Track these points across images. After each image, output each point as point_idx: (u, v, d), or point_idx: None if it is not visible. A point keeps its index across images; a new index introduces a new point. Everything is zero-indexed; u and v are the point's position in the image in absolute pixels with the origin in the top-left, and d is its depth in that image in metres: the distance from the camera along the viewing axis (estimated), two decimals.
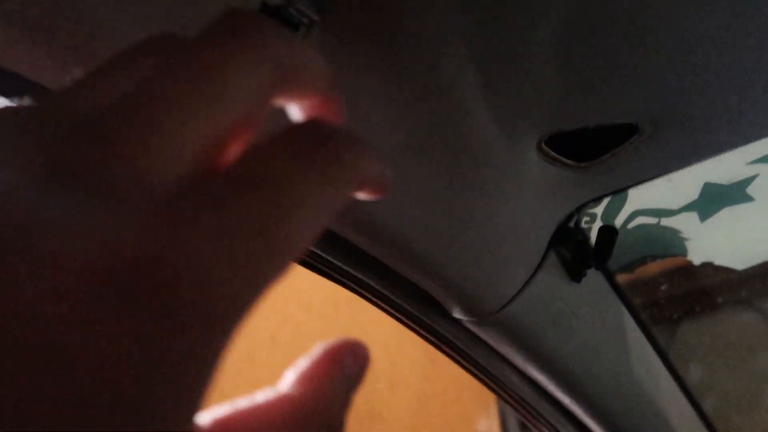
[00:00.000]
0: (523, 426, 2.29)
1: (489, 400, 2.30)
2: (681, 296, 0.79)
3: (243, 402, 0.18)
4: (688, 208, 0.54)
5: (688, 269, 0.61)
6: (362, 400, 2.11)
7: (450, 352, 0.53)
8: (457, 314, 0.48)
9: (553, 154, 0.46)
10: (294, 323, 2.09)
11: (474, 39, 0.36)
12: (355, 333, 2.18)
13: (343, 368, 0.19)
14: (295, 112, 0.19)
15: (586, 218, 0.56)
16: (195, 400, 0.15)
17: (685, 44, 0.37)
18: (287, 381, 0.19)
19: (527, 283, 0.49)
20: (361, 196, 0.19)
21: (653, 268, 0.62)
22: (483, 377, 0.56)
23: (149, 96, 0.15)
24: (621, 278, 0.61)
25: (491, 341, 0.51)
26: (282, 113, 0.21)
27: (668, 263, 0.60)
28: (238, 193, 0.14)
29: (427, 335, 0.52)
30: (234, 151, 0.16)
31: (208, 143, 0.15)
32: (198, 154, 0.15)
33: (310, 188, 0.15)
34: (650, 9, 0.35)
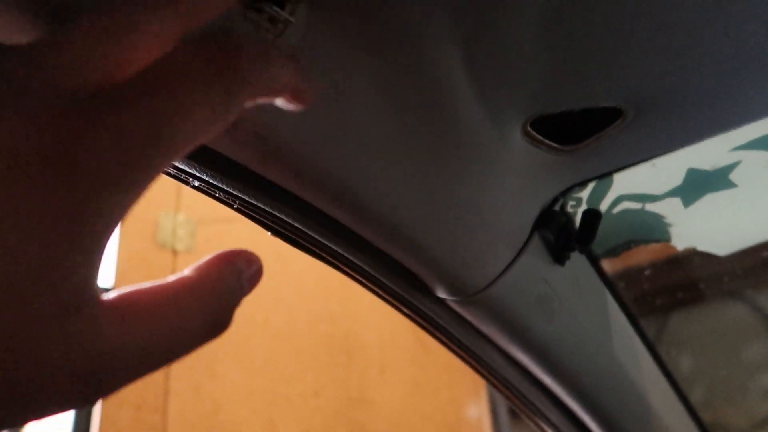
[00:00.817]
0: (512, 412, 2.31)
1: (479, 386, 2.32)
2: (667, 286, 0.80)
3: (147, 283, 0.22)
4: (672, 193, 0.55)
5: (672, 256, 0.62)
6: (354, 385, 2.12)
7: (434, 331, 0.54)
8: (441, 293, 0.49)
9: (538, 137, 0.47)
10: (286, 307, 2.10)
11: (459, 20, 0.36)
12: (347, 317, 2.19)
13: (235, 266, 0.24)
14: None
15: (571, 203, 0.56)
16: (93, 257, 0.19)
17: (667, 28, 0.38)
18: (187, 269, 0.23)
19: (511, 264, 0.49)
20: (279, 103, 0.25)
21: (638, 254, 0.63)
22: (467, 357, 0.57)
23: (76, 29, 0.19)
24: (606, 265, 0.62)
25: (475, 321, 0.52)
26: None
27: (652, 249, 0.61)
28: (133, 98, 0.19)
29: (411, 314, 0.52)
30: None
31: (118, 58, 0.19)
32: (110, 66, 0.19)
33: (196, 95, 0.20)
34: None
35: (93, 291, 0.19)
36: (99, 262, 0.20)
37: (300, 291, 2.15)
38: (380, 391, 2.16)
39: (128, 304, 0.21)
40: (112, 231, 0.19)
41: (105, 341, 0.19)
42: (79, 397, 0.19)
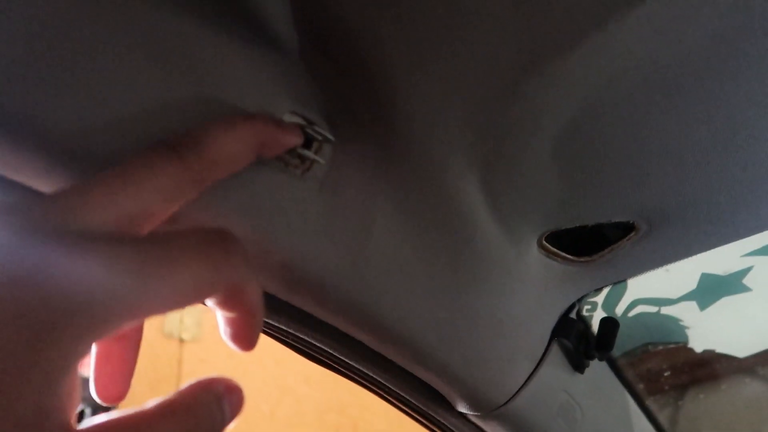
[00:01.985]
0: None
1: None
2: (684, 374, 0.79)
3: (124, 410, 0.21)
4: (687, 297, 0.55)
5: (691, 358, 0.62)
6: None
7: None
8: (462, 408, 0.48)
9: (553, 250, 0.48)
10: (293, 397, 2.05)
11: (476, 151, 0.38)
12: (356, 407, 2.14)
13: (215, 393, 0.24)
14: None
15: (587, 307, 0.57)
16: (50, 388, 0.19)
17: (676, 152, 0.40)
18: (167, 395, 0.23)
19: (531, 376, 0.49)
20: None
21: (656, 357, 0.63)
22: None
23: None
24: (623, 361, 0.62)
25: None
26: None
27: (670, 352, 0.61)
28: (130, 251, 0.21)
29: (433, 428, 0.52)
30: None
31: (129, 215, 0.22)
32: (123, 218, 0.22)
33: (184, 263, 0.22)
34: (644, 121, 0.37)
35: (52, 421, 0.19)
36: (60, 392, 0.19)
37: (307, 380, 2.11)
38: None
39: (102, 428, 0.20)
40: (72, 361, 0.19)
41: None
42: None
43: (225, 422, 0.24)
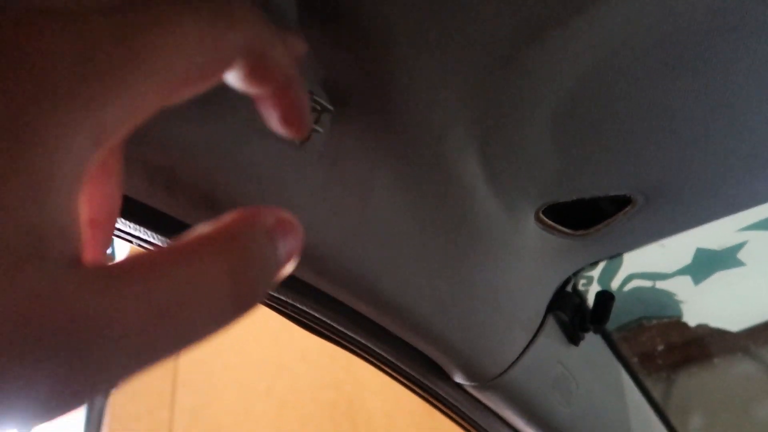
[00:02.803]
0: None
1: None
2: (680, 360, 0.80)
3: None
4: (681, 272, 0.55)
5: (685, 331, 0.63)
6: None
7: (452, 415, 0.54)
8: (459, 379, 0.49)
9: (550, 223, 0.48)
10: (289, 374, 2.07)
11: (474, 123, 0.38)
12: (352, 383, 2.16)
13: (262, 224, 0.18)
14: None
15: (583, 281, 0.57)
16: (51, 194, 0.14)
17: (673, 126, 0.40)
18: (203, 225, 0.18)
19: (527, 347, 0.50)
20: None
21: (650, 330, 0.63)
22: None
23: None
24: (618, 335, 0.63)
25: (493, 405, 0.52)
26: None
27: (664, 325, 0.62)
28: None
29: (429, 398, 0.52)
30: None
31: None
32: None
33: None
34: (642, 94, 0.37)
35: (51, 250, 0.14)
36: (58, 214, 0.15)
37: (304, 357, 2.12)
38: None
39: (129, 262, 0.16)
40: (68, 172, 0.15)
41: (87, 303, 0.14)
42: (59, 379, 0.14)
43: (279, 263, 0.19)
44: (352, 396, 2.16)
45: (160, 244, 0.37)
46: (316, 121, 0.35)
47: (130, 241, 0.38)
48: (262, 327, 2.08)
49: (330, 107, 0.34)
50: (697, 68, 0.36)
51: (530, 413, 0.52)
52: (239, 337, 2.04)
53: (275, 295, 0.42)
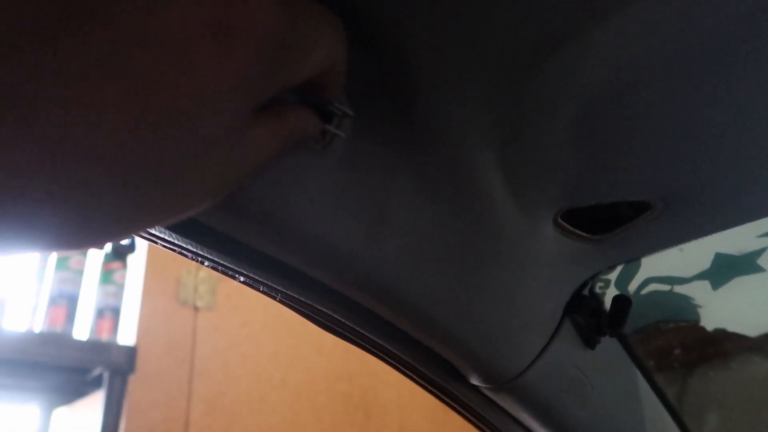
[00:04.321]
0: None
1: None
2: (694, 351, 0.79)
3: None
4: (700, 276, 0.55)
5: (702, 336, 0.63)
6: None
7: (468, 416, 0.54)
8: (475, 381, 0.50)
9: (568, 227, 0.48)
10: (304, 365, 2.09)
11: (494, 128, 0.38)
12: (366, 376, 2.17)
13: None
14: None
15: (600, 284, 0.57)
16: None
17: (693, 132, 0.40)
18: None
19: (543, 350, 0.50)
20: None
21: (667, 335, 0.63)
22: None
23: None
24: (634, 338, 0.63)
25: (508, 407, 0.52)
26: None
27: (681, 330, 0.62)
28: None
29: (445, 399, 0.53)
30: None
31: None
32: None
33: None
34: (663, 101, 0.37)
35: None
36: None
37: (319, 349, 2.14)
38: None
39: None
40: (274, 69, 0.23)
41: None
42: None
43: None
44: (366, 388, 2.17)
45: (178, 243, 0.38)
46: (338, 126, 0.35)
47: (153, 241, 0.38)
48: (278, 319, 2.10)
49: (350, 112, 0.34)
50: (718, 75, 0.36)
51: (545, 415, 0.52)
52: (255, 329, 2.06)
53: (293, 294, 0.42)
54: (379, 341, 0.47)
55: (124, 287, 1.80)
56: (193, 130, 0.21)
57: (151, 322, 1.85)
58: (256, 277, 0.41)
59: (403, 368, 0.50)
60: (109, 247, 1.81)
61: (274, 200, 0.34)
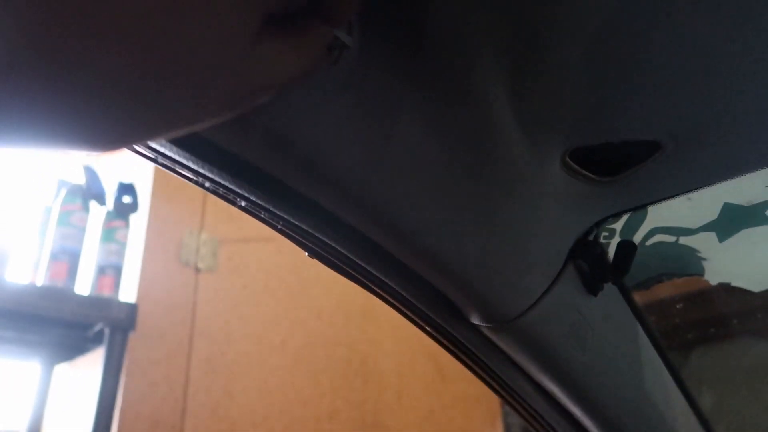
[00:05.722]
0: None
1: (495, 416, 2.29)
2: (698, 320, 0.79)
3: None
4: (706, 227, 0.54)
5: (705, 290, 0.62)
6: (369, 410, 2.10)
7: (463, 357, 0.54)
8: (475, 320, 0.49)
9: (576, 167, 0.47)
10: (304, 329, 2.10)
11: (505, 52, 0.37)
12: (365, 343, 2.18)
13: None
14: None
15: (605, 233, 0.57)
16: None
17: (708, 68, 0.39)
18: None
19: (545, 292, 0.50)
20: None
21: (670, 287, 0.63)
22: (496, 385, 0.56)
23: None
24: (638, 296, 0.62)
25: (507, 348, 0.52)
26: None
27: (684, 284, 0.61)
28: None
29: (441, 339, 0.52)
30: None
31: None
32: None
33: None
34: (680, 30, 0.36)
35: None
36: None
37: (319, 314, 2.15)
38: (395, 417, 2.14)
39: None
40: None
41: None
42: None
43: None
44: (365, 355, 2.19)
45: (179, 159, 0.37)
46: (337, 59, 0.34)
47: (154, 159, 0.38)
48: (279, 283, 2.10)
49: (349, 43, 0.33)
50: (740, 9, 0.35)
51: (545, 357, 0.52)
52: (256, 291, 2.07)
53: (295, 222, 0.42)
54: (380, 276, 0.47)
55: (126, 246, 1.80)
56: (202, 36, 0.21)
57: (152, 282, 1.86)
58: (258, 201, 0.40)
59: (402, 306, 0.50)
60: (111, 205, 1.81)
61: (279, 118, 0.33)
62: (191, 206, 2.03)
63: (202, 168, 0.38)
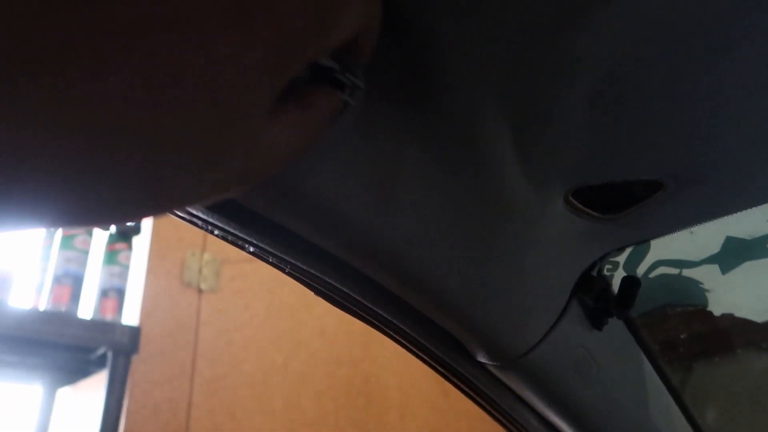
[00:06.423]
0: None
1: None
2: (698, 338, 0.79)
3: None
4: (709, 260, 0.55)
5: (709, 321, 0.62)
6: (372, 429, 2.10)
7: (472, 394, 0.54)
8: (481, 358, 0.49)
9: (579, 206, 0.48)
10: (307, 349, 2.10)
11: (508, 99, 0.38)
12: (368, 362, 2.18)
13: None
14: None
15: (608, 266, 0.57)
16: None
17: (710, 111, 0.39)
18: None
19: (551, 329, 0.50)
20: None
21: (674, 319, 0.63)
22: (504, 420, 0.57)
23: None
24: (642, 328, 0.62)
25: (514, 385, 0.52)
26: None
27: (688, 314, 0.61)
28: None
29: (450, 376, 0.53)
30: None
31: None
32: None
33: None
34: (680, 76, 0.37)
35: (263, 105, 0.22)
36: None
37: (321, 334, 2.15)
38: None
39: None
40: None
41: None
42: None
43: None
44: (368, 374, 2.18)
45: (188, 210, 0.38)
46: (350, 95, 0.35)
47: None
48: (281, 303, 2.10)
49: (361, 85, 0.34)
50: (739, 50, 0.36)
51: (551, 394, 0.52)
52: (259, 311, 2.07)
53: (302, 266, 0.42)
54: (386, 316, 0.47)
55: (129, 268, 1.81)
56: (213, 116, 0.20)
57: (155, 304, 1.86)
58: (266, 248, 0.41)
59: (409, 345, 0.50)
60: (114, 228, 1.81)
61: (285, 169, 0.34)
62: (193, 227, 2.04)
63: (210, 218, 0.38)
